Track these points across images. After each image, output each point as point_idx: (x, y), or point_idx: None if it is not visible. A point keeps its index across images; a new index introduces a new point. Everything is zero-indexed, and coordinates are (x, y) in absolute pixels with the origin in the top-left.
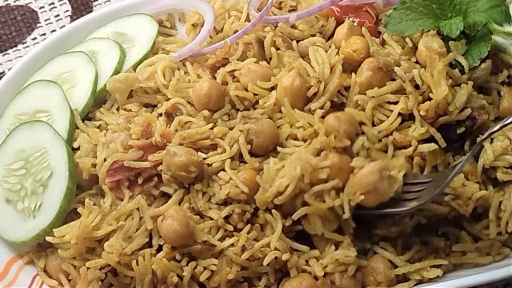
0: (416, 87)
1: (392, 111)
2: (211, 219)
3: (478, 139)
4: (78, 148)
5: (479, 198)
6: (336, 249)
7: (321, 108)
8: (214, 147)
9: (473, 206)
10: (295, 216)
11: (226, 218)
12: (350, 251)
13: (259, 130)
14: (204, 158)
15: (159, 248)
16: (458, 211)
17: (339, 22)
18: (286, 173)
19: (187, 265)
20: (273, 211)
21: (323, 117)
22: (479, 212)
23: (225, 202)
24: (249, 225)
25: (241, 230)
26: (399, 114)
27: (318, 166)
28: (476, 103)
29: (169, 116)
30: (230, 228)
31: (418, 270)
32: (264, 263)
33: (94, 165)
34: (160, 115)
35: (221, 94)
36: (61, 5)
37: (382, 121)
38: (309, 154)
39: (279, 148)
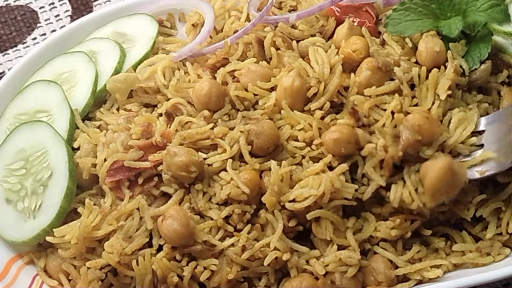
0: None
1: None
2: (212, 219)
3: None
4: (78, 148)
5: (480, 202)
6: (339, 249)
7: (321, 108)
8: (214, 147)
9: (474, 210)
10: (309, 216)
11: (226, 218)
12: (354, 253)
13: (260, 131)
14: (205, 158)
15: (159, 248)
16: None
17: (339, 22)
18: (308, 184)
19: (187, 265)
20: (275, 211)
21: (322, 118)
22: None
23: (226, 202)
24: (249, 225)
25: (241, 230)
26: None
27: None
28: None
29: (169, 116)
30: (230, 228)
31: (419, 270)
32: (265, 263)
33: (94, 165)
34: (160, 115)
35: (221, 94)
36: (61, 5)
37: (377, 121)
38: (336, 176)
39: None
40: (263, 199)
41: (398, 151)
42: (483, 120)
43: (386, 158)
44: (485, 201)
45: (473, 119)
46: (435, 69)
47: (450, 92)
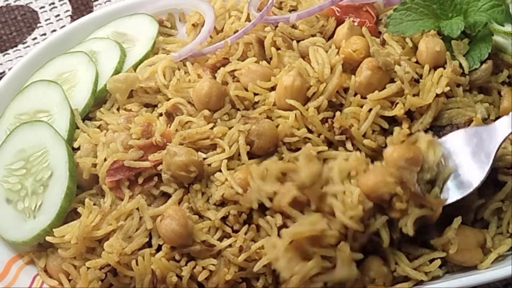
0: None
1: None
2: (210, 219)
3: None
4: (78, 148)
5: (480, 205)
6: None
7: (318, 107)
8: (214, 147)
9: (473, 214)
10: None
11: (224, 219)
12: (356, 255)
13: (261, 131)
14: (204, 158)
15: (159, 248)
16: None
17: (340, 22)
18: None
19: (186, 265)
20: (268, 217)
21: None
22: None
23: (223, 203)
24: (246, 226)
25: (238, 231)
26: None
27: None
28: (461, 119)
29: (170, 116)
30: (228, 229)
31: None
32: (255, 269)
33: (95, 165)
34: (161, 115)
35: (221, 94)
36: (61, 5)
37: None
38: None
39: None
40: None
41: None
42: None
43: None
44: (485, 201)
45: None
46: (440, 68)
47: (448, 88)
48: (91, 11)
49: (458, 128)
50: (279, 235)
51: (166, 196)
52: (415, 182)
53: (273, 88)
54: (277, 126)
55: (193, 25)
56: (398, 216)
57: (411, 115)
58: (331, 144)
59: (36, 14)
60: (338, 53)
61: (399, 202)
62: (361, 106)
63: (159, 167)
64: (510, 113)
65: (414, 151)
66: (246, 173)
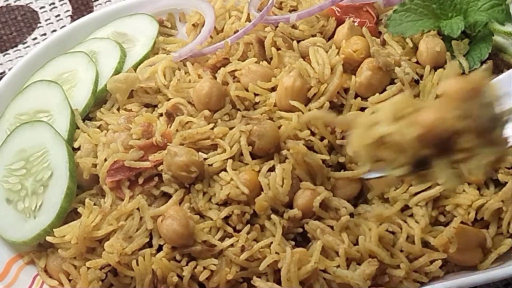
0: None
1: None
2: (211, 219)
3: None
4: (78, 148)
5: (480, 205)
6: None
7: (320, 109)
8: (214, 147)
9: (474, 214)
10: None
11: (226, 219)
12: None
13: (262, 132)
14: (205, 158)
15: (160, 248)
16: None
17: (340, 22)
18: None
19: (187, 265)
20: (273, 216)
21: None
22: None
23: (225, 203)
24: (248, 226)
25: (240, 231)
26: None
27: None
28: None
29: (170, 116)
30: (229, 229)
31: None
32: (261, 268)
33: (95, 165)
34: (161, 115)
35: (222, 94)
36: (61, 5)
37: None
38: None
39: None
40: (255, 200)
41: None
42: None
43: None
44: (485, 201)
45: None
46: (440, 69)
47: None
48: (91, 11)
49: None
50: (283, 233)
51: (167, 196)
52: (480, 116)
53: (273, 89)
54: (278, 127)
55: (193, 25)
56: (463, 156)
57: None
58: (332, 149)
59: (36, 14)
60: (338, 53)
61: (466, 139)
62: (362, 109)
63: (160, 167)
64: None
65: (476, 81)
66: (251, 174)
